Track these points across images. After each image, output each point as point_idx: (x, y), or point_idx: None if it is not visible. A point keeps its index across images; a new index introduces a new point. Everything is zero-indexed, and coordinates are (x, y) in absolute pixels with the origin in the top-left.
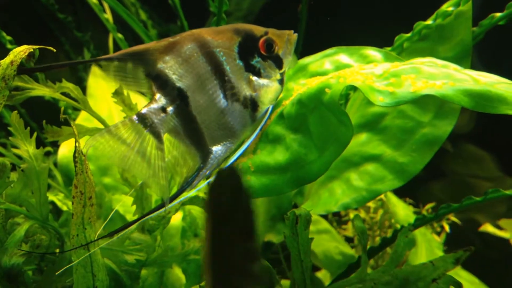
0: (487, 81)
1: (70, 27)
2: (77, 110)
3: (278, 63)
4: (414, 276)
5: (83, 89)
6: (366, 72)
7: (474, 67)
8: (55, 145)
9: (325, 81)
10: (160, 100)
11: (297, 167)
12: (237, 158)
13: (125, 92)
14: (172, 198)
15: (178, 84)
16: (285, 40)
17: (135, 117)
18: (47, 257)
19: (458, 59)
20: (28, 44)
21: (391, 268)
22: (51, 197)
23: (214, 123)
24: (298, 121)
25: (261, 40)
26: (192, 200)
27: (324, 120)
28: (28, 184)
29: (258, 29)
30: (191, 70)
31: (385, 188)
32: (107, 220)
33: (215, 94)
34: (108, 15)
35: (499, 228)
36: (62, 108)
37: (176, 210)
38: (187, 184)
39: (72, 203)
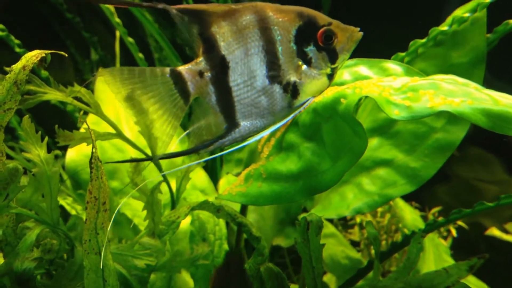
0: (507, 102)
1: (78, 27)
2: (85, 114)
3: (333, 57)
4: (428, 284)
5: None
6: (383, 85)
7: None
8: (60, 148)
9: (341, 91)
10: (201, 63)
11: (310, 175)
12: (259, 139)
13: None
14: (180, 154)
15: (224, 52)
16: (347, 36)
17: (168, 70)
18: (57, 261)
19: (472, 65)
20: (33, 47)
21: (404, 275)
22: (60, 201)
23: (249, 99)
24: (312, 129)
25: (322, 30)
26: (201, 205)
27: (338, 130)
28: (39, 189)
29: (322, 18)
30: (242, 41)
31: (397, 193)
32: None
33: (258, 71)
34: (118, 19)
35: (506, 232)
36: (81, 112)
37: (186, 215)
38: (202, 146)
39: (86, 208)
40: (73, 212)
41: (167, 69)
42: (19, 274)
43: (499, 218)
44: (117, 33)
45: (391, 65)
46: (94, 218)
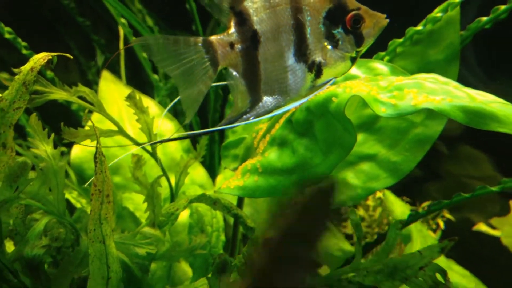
0: (483, 99)
1: (88, 30)
2: (90, 113)
3: (359, 40)
4: (403, 265)
5: None
6: (371, 84)
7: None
8: (66, 146)
9: (332, 91)
10: (232, 35)
11: (303, 169)
12: (281, 113)
13: (137, 96)
14: (203, 133)
15: (256, 26)
16: (374, 21)
17: (200, 40)
18: (63, 250)
19: (447, 61)
20: (39, 48)
21: (382, 258)
22: (66, 194)
23: (274, 75)
24: (305, 126)
25: (351, 14)
26: (199, 198)
27: (330, 127)
28: (46, 182)
29: (352, 3)
30: (274, 18)
31: (379, 186)
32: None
33: (286, 48)
34: (123, 20)
35: (492, 227)
36: (86, 111)
37: (184, 207)
38: (228, 122)
39: (91, 200)
40: (78, 206)
41: (200, 38)
42: (29, 259)
43: (487, 214)
44: (121, 34)
45: (378, 65)
46: (98, 209)
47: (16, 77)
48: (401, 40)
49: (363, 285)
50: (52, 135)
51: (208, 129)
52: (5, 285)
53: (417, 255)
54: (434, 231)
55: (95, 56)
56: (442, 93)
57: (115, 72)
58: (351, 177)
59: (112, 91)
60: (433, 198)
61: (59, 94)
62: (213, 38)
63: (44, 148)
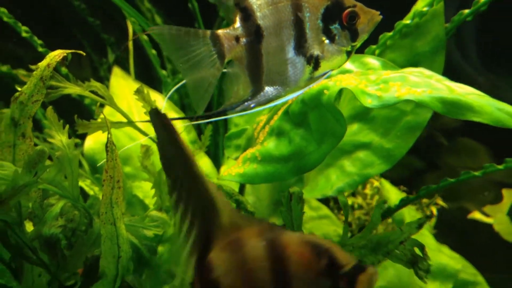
0: (460, 91)
1: (98, 30)
2: (101, 107)
3: (354, 36)
4: (385, 240)
5: None
6: (361, 78)
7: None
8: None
9: (324, 84)
10: (238, 29)
11: (298, 157)
12: (280, 104)
13: (145, 90)
14: (211, 114)
15: (260, 22)
16: (368, 18)
17: (208, 33)
18: (78, 233)
19: (434, 53)
20: (53, 46)
21: (367, 234)
22: (80, 183)
23: (275, 67)
24: (300, 117)
25: (347, 11)
26: None
27: (323, 117)
28: (62, 170)
29: (349, 0)
30: (276, 14)
31: (375, 172)
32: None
33: (287, 42)
34: (133, 18)
35: (486, 215)
36: (98, 104)
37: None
38: (230, 107)
39: (102, 185)
40: (91, 193)
41: (208, 32)
42: (47, 237)
43: (482, 202)
44: (130, 32)
45: (370, 60)
46: (110, 193)
47: (34, 72)
48: (390, 33)
49: None
50: (67, 126)
51: (210, 113)
52: (26, 261)
53: (398, 231)
54: (429, 218)
55: (106, 54)
56: (424, 85)
57: (125, 68)
58: (348, 165)
59: (122, 86)
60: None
61: (73, 89)
62: (220, 31)
63: (60, 138)
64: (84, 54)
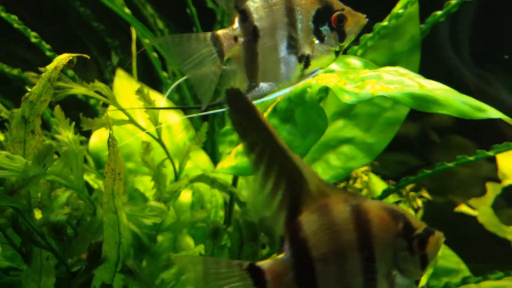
0: (430, 87)
1: (102, 34)
2: (104, 106)
3: (342, 37)
4: None
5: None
6: (342, 77)
7: None
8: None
9: (308, 82)
10: (236, 30)
11: None
12: (272, 99)
13: (145, 90)
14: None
15: (256, 23)
16: (355, 20)
17: (209, 35)
18: (83, 222)
19: (410, 52)
20: (61, 50)
21: None
22: (85, 177)
23: (269, 64)
24: (287, 114)
25: (336, 14)
26: (199, 178)
27: (306, 113)
28: (68, 163)
29: (338, 4)
30: (271, 16)
31: (357, 165)
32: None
33: (280, 42)
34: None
35: (472, 207)
36: (101, 103)
37: (186, 185)
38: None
39: (105, 177)
40: (95, 186)
41: (209, 33)
42: (54, 224)
43: (469, 195)
44: (133, 36)
45: (353, 60)
46: (111, 185)
47: (43, 74)
48: (370, 34)
49: None
50: (73, 123)
51: (213, 103)
52: (35, 246)
53: None
54: (416, 211)
55: (111, 57)
56: (397, 82)
57: (129, 70)
58: (333, 159)
59: (126, 87)
60: (422, 184)
61: (78, 89)
62: (219, 32)
63: (66, 134)
64: (89, 57)
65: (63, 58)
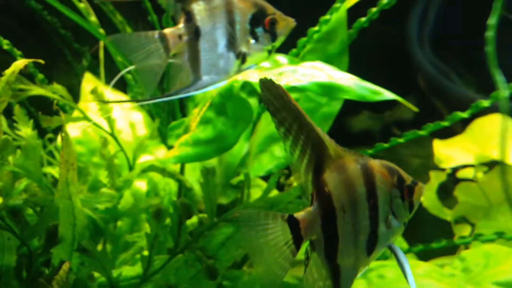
0: (337, 77)
1: (70, 40)
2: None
3: (274, 37)
4: (278, 201)
5: None
6: (264, 72)
7: None
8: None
9: (234, 79)
10: (181, 29)
11: (220, 140)
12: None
13: (99, 90)
14: (160, 97)
15: (198, 24)
16: (286, 23)
17: (157, 33)
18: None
19: (340, 54)
20: (37, 56)
21: (264, 197)
22: (52, 170)
23: (211, 60)
24: (220, 107)
25: (269, 17)
26: (151, 167)
27: (235, 106)
28: (28, 156)
29: (270, 9)
30: (212, 17)
31: None
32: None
33: (220, 40)
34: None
35: None
36: (55, 102)
37: (138, 175)
38: (174, 93)
39: (60, 168)
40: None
41: (157, 32)
42: (12, 207)
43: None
44: (101, 43)
45: (280, 58)
46: (65, 174)
47: (2, 78)
48: (305, 38)
49: None
50: (31, 120)
51: (163, 95)
52: None
53: (286, 194)
54: None
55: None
56: (310, 75)
57: (97, 73)
58: (277, 150)
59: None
60: None
61: (37, 91)
62: (166, 30)
63: (25, 130)
64: (43, 62)
65: (19, 63)
